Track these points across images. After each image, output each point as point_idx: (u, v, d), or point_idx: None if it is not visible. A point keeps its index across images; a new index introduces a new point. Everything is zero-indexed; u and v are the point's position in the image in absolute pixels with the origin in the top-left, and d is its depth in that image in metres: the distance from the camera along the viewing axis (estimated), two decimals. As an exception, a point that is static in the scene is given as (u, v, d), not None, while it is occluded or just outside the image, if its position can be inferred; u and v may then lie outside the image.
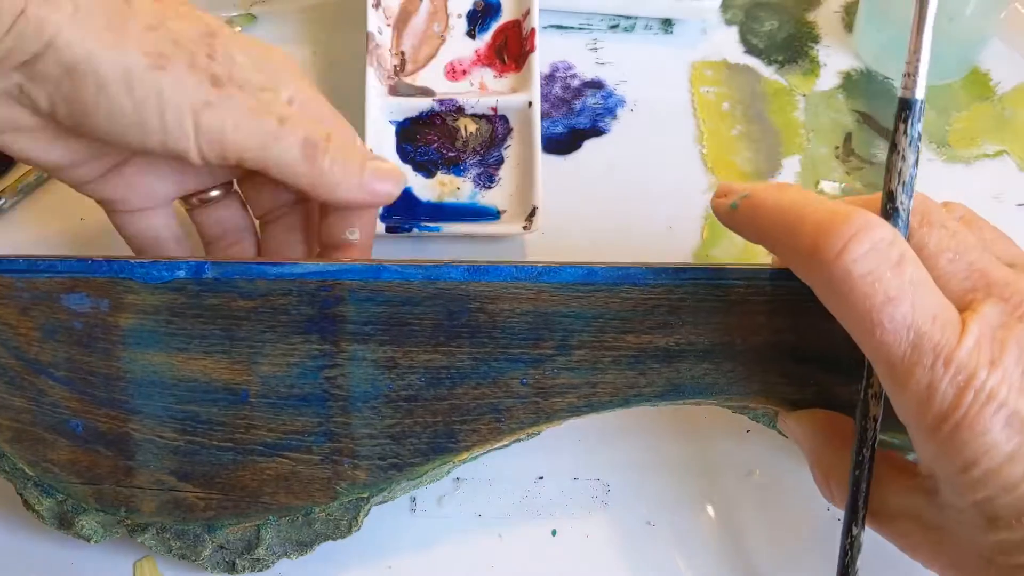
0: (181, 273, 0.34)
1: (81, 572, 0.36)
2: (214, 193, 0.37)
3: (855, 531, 0.32)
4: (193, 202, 0.38)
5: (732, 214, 0.32)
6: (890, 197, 0.30)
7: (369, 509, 0.34)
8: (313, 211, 0.39)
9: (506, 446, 0.35)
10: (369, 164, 0.35)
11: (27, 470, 0.34)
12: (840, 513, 0.38)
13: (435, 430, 0.34)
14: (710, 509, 0.38)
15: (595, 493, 0.38)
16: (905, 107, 0.30)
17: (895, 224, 0.29)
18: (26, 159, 0.34)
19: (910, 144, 0.30)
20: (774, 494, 0.38)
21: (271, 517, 0.34)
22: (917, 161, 0.30)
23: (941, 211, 0.30)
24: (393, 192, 0.36)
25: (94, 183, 0.35)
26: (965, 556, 0.29)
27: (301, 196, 0.38)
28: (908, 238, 0.29)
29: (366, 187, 0.35)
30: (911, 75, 0.30)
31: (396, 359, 0.34)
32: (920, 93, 0.30)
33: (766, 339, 0.34)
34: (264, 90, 0.33)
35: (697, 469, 0.39)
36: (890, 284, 0.27)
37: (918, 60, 0.30)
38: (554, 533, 0.37)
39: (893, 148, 0.30)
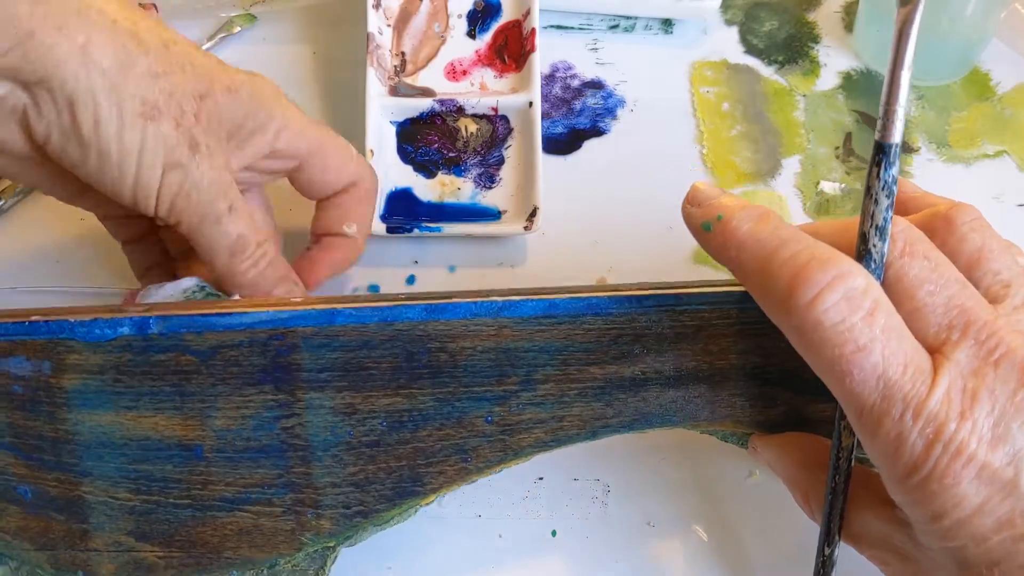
0: (125, 330, 0.32)
1: None
2: None
3: (827, 551, 0.32)
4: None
5: (704, 235, 0.31)
6: (863, 239, 0.29)
7: (336, 557, 0.34)
8: None
9: (475, 480, 0.35)
10: (281, 286, 0.36)
11: None
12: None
13: (400, 475, 0.33)
14: (710, 510, 0.38)
15: (595, 493, 0.38)
16: (880, 151, 0.29)
17: (868, 266, 0.28)
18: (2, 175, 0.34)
19: (883, 188, 0.29)
20: (774, 495, 0.38)
21: (235, 572, 0.33)
22: (891, 205, 0.29)
23: (924, 241, 0.29)
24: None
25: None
26: None
27: None
28: (887, 267, 0.29)
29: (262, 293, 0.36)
30: (889, 119, 0.28)
31: (355, 405, 0.33)
32: (897, 137, 0.29)
33: (732, 362, 0.33)
34: (227, 168, 0.34)
35: (697, 470, 0.39)
36: (861, 333, 0.26)
37: (897, 103, 0.28)
38: (554, 533, 0.37)
39: (867, 192, 0.29)
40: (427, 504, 0.33)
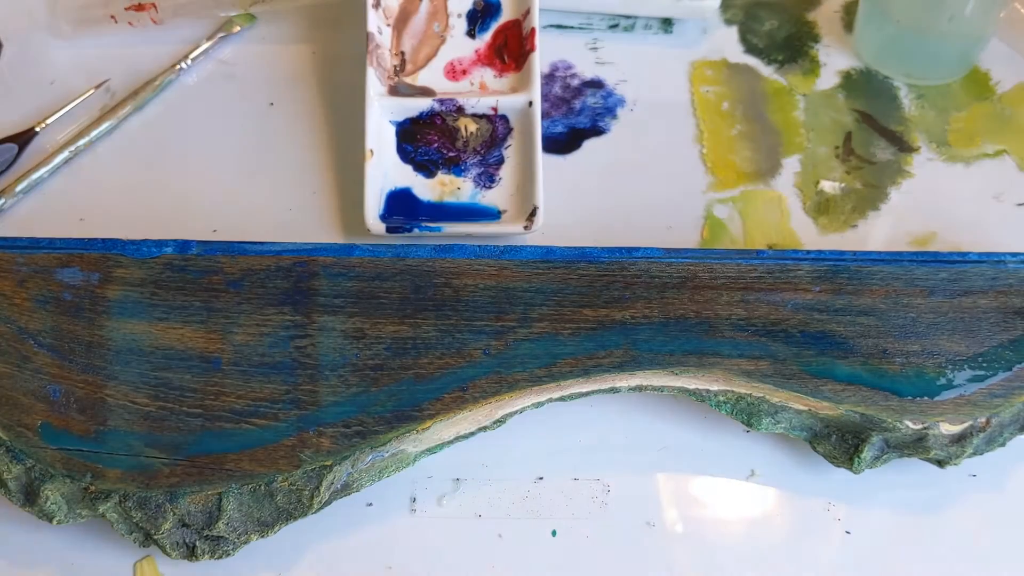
0: (168, 250, 0.37)
1: (81, 572, 0.36)
2: None
3: None
4: None
5: None
6: None
7: (333, 481, 0.34)
8: None
9: (472, 434, 0.36)
10: None
11: (1, 434, 0.34)
12: (841, 514, 0.38)
13: (400, 399, 0.35)
14: (710, 509, 0.38)
15: (595, 493, 0.38)
16: None
17: None
18: None
19: None
20: (774, 494, 0.38)
21: (234, 485, 0.34)
22: None
23: None
24: None
25: None
26: None
27: None
28: None
29: None
30: None
31: (364, 330, 0.36)
32: None
33: (717, 313, 0.36)
34: None
35: (697, 469, 0.39)
36: None
37: None
38: (554, 533, 0.37)
39: None
40: (423, 430, 0.35)
